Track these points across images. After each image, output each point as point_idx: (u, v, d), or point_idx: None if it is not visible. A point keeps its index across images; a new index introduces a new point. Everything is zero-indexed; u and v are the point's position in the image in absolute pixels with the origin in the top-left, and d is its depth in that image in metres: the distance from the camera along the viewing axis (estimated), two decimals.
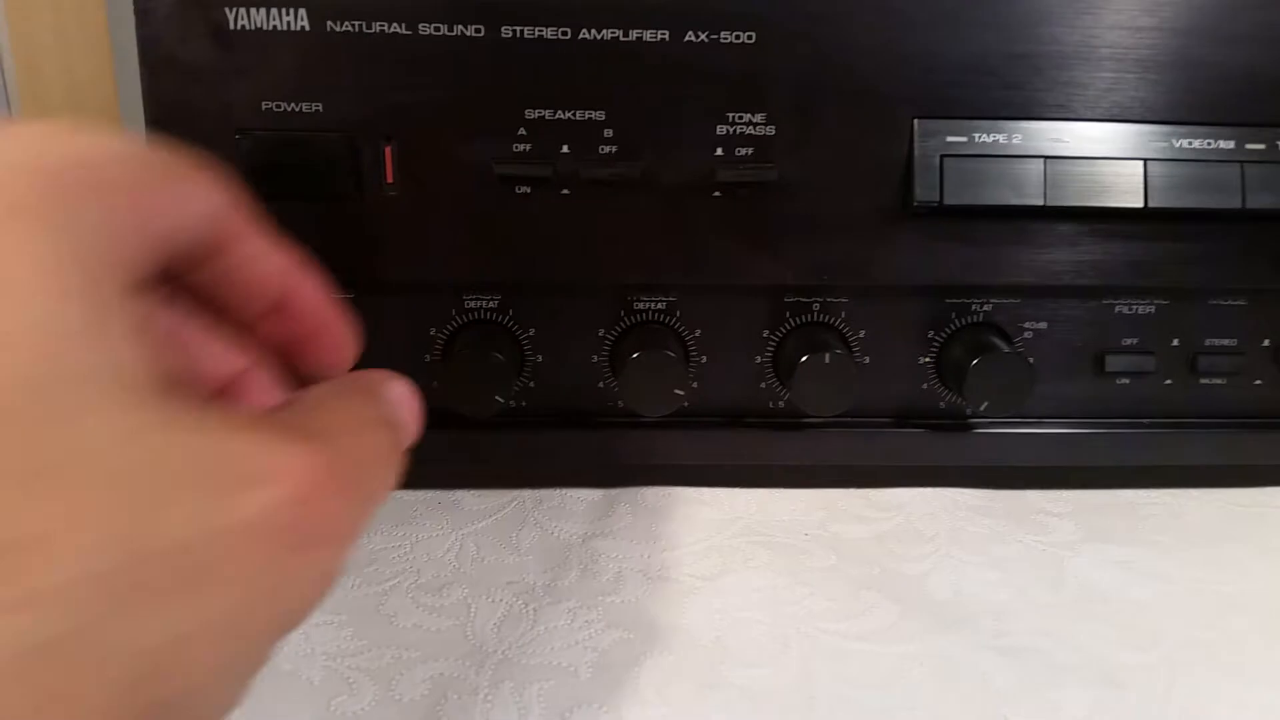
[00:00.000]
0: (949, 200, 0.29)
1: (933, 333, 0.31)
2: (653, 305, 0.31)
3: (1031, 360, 0.31)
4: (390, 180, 0.29)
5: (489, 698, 0.24)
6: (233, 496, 0.13)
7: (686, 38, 0.28)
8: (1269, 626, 0.27)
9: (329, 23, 0.28)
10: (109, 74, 0.71)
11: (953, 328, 0.31)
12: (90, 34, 0.69)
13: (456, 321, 0.31)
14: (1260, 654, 0.26)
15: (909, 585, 0.29)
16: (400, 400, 0.19)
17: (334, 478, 0.15)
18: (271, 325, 0.20)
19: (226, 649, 0.14)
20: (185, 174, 0.17)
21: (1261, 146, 0.30)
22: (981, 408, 0.30)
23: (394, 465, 0.17)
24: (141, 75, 0.28)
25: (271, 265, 0.19)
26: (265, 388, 0.20)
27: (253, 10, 0.28)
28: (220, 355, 0.19)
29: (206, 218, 0.17)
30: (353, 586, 0.28)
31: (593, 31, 0.28)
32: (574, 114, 0.29)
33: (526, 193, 0.29)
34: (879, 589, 0.28)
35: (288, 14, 0.28)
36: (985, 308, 0.31)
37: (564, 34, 0.28)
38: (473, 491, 0.33)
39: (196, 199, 0.17)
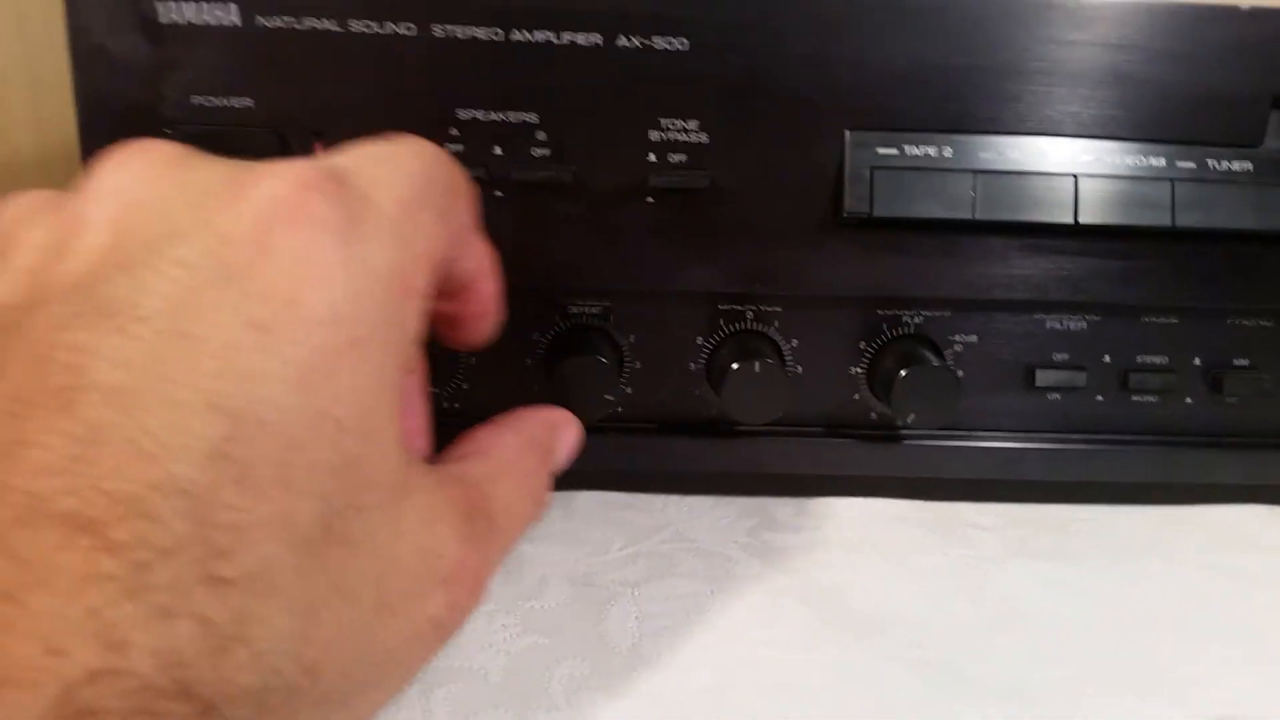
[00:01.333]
0: (878, 212, 0.29)
1: (865, 343, 0.32)
2: (587, 309, 0.31)
3: (960, 373, 0.31)
4: None
5: (395, 699, 0.24)
6: (429, 598, 0.18)
7: (619, 42, 0.28)
8: (1182, 644, 0.27)
9: (259, 18, 0.27)
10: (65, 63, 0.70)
11: (884, 339, 0.31)
12: (54, 36, 0.69)
13: None
14: (1170, 671, 0.26)
15: (830, 595, 0.29)
16: (569, 453, 0.22)
17: (494, 566, 0.19)
18: (439, 302, 0.21)
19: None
20: (468, 199, 0.20)
21: (1192, 165, 0.30)
22: (909, 419, 0.30)
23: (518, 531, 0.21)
24: (71, 67, 0.28)
25: (477, 260, 0.21)
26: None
27: (183, 4, 0.27)
28: None
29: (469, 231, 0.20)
30: None
31: (525, 33, 0.28)
32: (506, 115, 0.29)
33: None
34: (800, 598, 0.28)
35: (218, 8, 0.27)
36: (916, 319, 0.31)
37: (497, 35, 0.28)
38: None
39: (471, 221, 0.20)
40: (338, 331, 0.16)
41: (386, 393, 0.17)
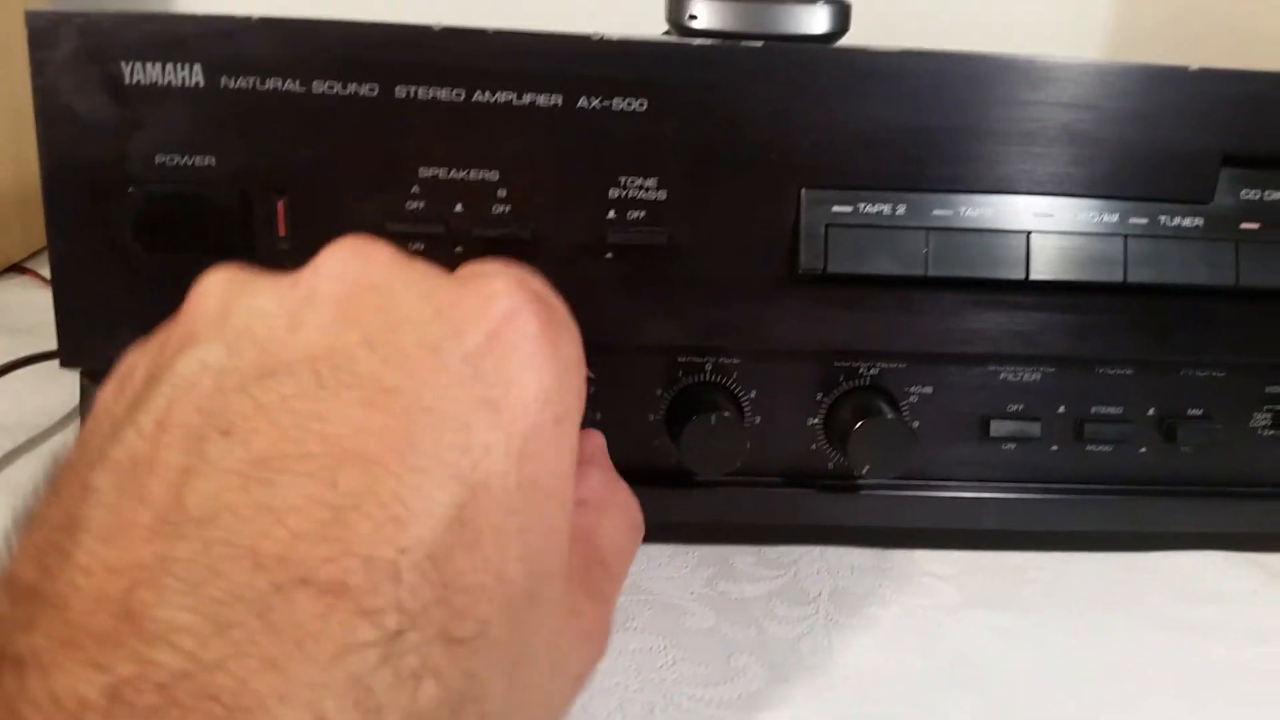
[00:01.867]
0: (833, 269, 0.29)
1: (822, 395, 0.32)
2: None
3: (915, 424, 0.32)
4: (282, 234, 0.29)
5: None
6: (576, 655, 0.20)
7: (579, 104, 0.29)
8: (1132, 697, 0.28)
9: (224, 79, 0.28)
10: None
11: (840, 391, 0.32)
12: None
13: None
14: None
15: (784, 648, 0.29)
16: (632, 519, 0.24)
17: (613, 611, 0.21)
18: None
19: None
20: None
21: (1144, 221, 0.31)
22: (864, 470, 0.31)
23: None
24: (37, 125, 0.28)
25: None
26: None
27: (148, 65, 0.28)
28: None
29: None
30: None
31: (486, 94, 0.28)
32: (468, 173, 0.29)
33: (420, 249, 0.29)
34: (753, 652, 0.29)
35: (183, 69, 0.28)
36: (872, 372, 0.32)
37: (458, 96, 0.28)
38: None
39: None
40: (547, 410, 0.18)
41: (573, 464, 0.19)
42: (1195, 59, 0.30)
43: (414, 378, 0.16)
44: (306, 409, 0.15)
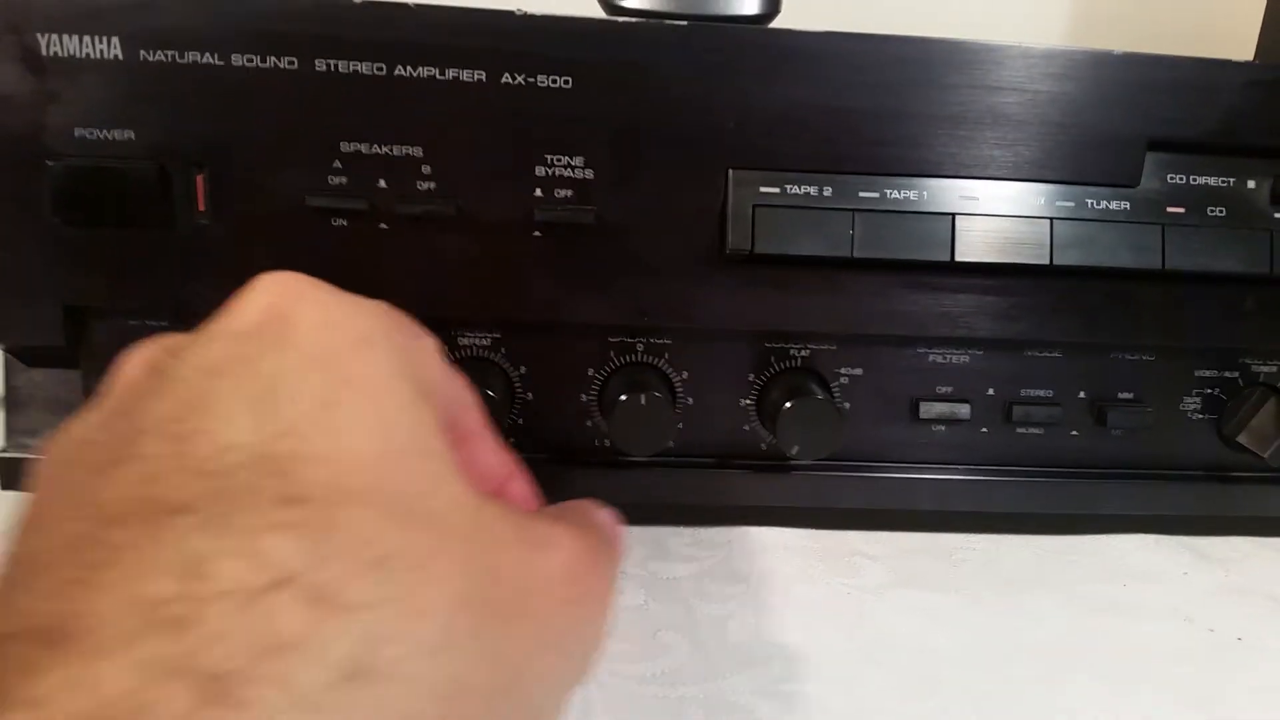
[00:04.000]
0: (760, 249, 0.29)
1: (754, 376, 0.32)
2: (477, 341, 0.31)
3: (846, 405, 0.32)
4: (201, 209, 0.29)
5: None
6: (540, 553, 0.18)
7: (504, 79, 0.28)
8: (1052, 676, 0.28)
9: (142, 52, 0.28)
10: None
11: (771, 372, 0.32)
12: None
13: None
14: (1034, 704, 0.26)
15: (710, 626, 0.29)
16: (608, 519, 0.22)
17: (591, 553, 0.19)
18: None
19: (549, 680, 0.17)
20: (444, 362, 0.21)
21: (1070, 204, 0.31)
22: (793, 451, 0.31)
23: (616, 564, 0.21)
24: None
25: (494, 460, 0.22)
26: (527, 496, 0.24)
27: (65, 37, 0.28)
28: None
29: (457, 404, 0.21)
30: None
31: (409, 69, 0.28)
32: (391, 149, 0.29)
33: (343, 225, 0.29)
34: (679, 629, 0.29)
35: (101, 42, 0.28)
36: (802, 353, 0.32)
37: (379, 69, 0.28)
38: None
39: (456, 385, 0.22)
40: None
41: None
42: (1154, 49, 0.30)
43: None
44: None
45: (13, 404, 0.32)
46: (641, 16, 0.31)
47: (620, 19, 0.29)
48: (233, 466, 0.14)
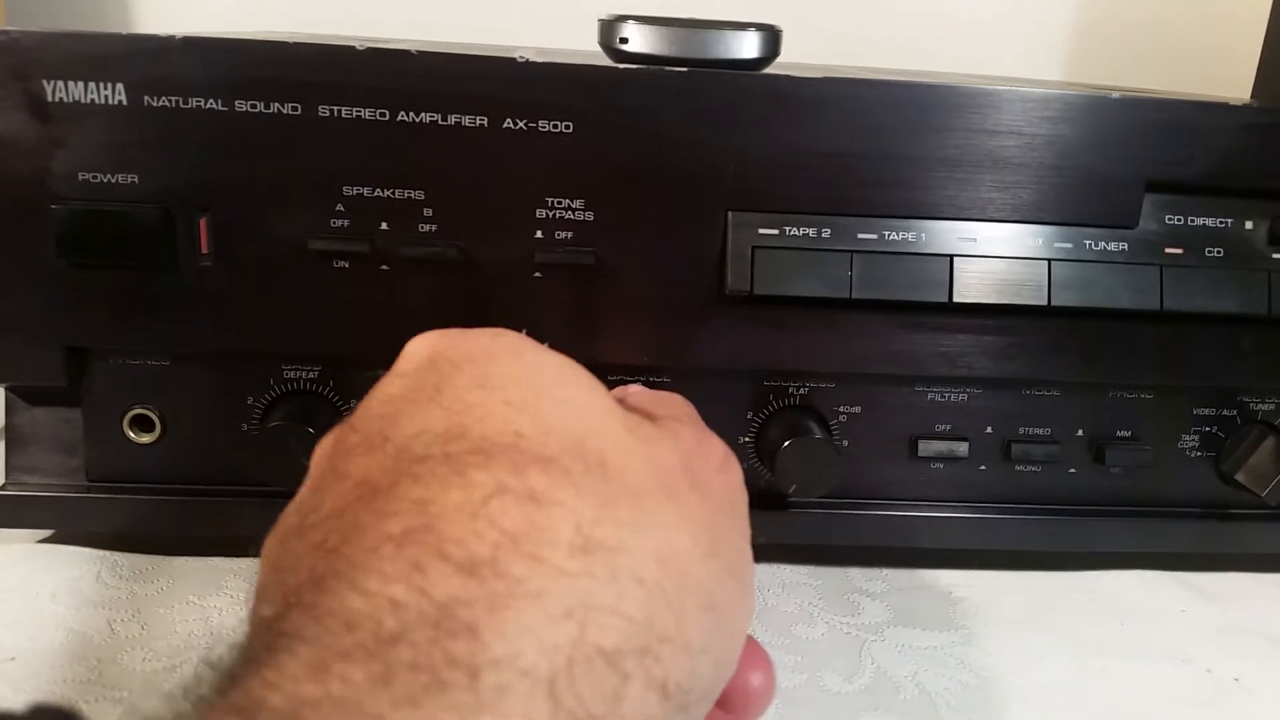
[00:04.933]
0: (759, 290, 0.29)
1: (752, 413, 0.32)
2: None
3: (843, 443, 0.32)
4: (205, 252, 0.29)
5: None
6: (674, 442, 0.21)
7: (505, 124, 0.29)
8: (1052, 717, 0.28)
9: (146, 98, 0.28)
10: None
11: (770, 410, 0.32)
12: None
13: (275, 391, 0.31)
14: None
15: None
16: None
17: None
18: None
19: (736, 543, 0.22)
20: None
21: (1069, 246, 0.31)
22: (790, 489, 0.31)
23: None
24: None
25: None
26: None
27: (71, 84, 0.28)
28: None
29: None
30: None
31: (411, 115, 0.28)
32: (393, 193, 0.29)
33: (345, 267, 0.29)
34: None
35: (105, 88, 0.28)
36: (801, 391, 0.32)
37: (382, 115, 0.28)
38: None
39: None
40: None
41: None
42: (1152, 78, 0.30)
43: None
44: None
45: (13, 441, 0.32)
46: (643, 61, 0.31)
47: (621, 65, 0.29)
48: (423, 448, 0.17)
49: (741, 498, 0.23)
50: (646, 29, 0.31)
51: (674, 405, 0.25)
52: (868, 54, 0.77)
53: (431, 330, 0.22)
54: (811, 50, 0.84)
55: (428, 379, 0.20)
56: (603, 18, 0.32)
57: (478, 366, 0.20)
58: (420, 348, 0.22)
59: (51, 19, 0.66)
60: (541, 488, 0.17)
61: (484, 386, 0.19)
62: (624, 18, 0.31)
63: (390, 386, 0.21)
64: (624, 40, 0.31)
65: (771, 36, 0.31)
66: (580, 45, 0.38)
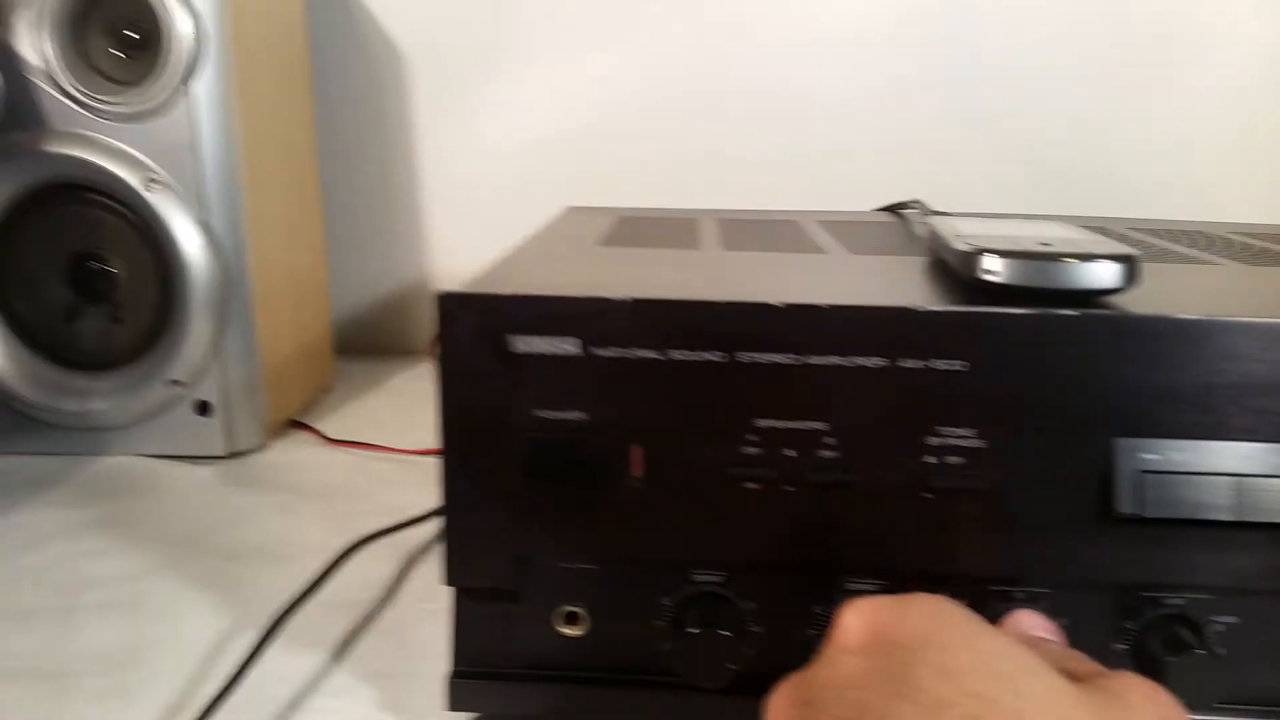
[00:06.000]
0: (1149, 513, 0.31)
1: (1129, 623, 0.34)
2: (863, 587, 0.34)
3: (1220, 652, 0.33)
4: (639, 476, 0.33)
5: None
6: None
7: (901, 363, 0.32)
8: None
9: (594, 349, 0.33)
10: (323, 266, 0.81)
11: (1147, 619, 0.33)
12: (309, 233, 0.79)
13: (686, 592, 0.35)
14: None
15: None
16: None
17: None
18: None
19: None
20: None
21: None
22: None
23: None
24: (439, 384, 0.34)
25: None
26: None
27: (533, 338, 0.33)
28: None
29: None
30: None
31: (818, 358, 0.32)
32: (799, 424, 0.33)
33: (756, 489, 0.33)
34: None
35: (562, 342, 0.33)
36: (1176, 602, 0.33)
37: (793, 359, 0.32)
38: None
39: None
40: None
41: None
42: None
43: None
44: None
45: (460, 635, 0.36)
46: (1005, 290, 0.34)
47: (1010, 311, 0.32)
48: None
49: None
50: (1008, 262, 0.34)
51: (1078, 658, 0.27)
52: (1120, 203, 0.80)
53: (862, 601, 0.24)
54: (1053, 197, 0.87)
55: (885, 664, 0.22)
56: (964, 249, 0.35)
57: (933, 652, 0.22)
58: (862, 623, 0.23)
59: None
60: None
61: (947, 676, 0.21)
62: (986, 250, 0.34)
63: (845, 666, 0.22)
64: (988, 272, 0.34)
65: (1131, 268, 0.33)
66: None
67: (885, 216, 0.67)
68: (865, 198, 0.71)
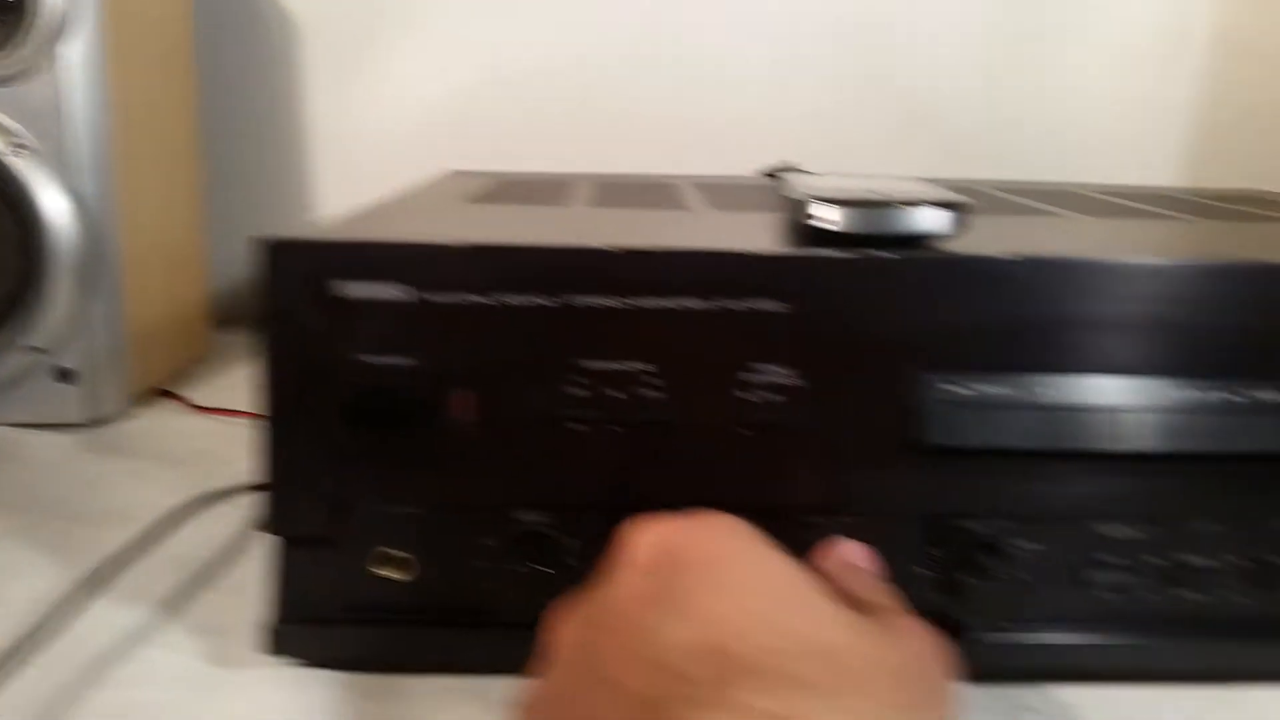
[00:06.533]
0: (946, 441, 0.33)
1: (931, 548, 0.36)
2: None
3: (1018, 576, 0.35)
4: (465, 420, 0.34)
5: None
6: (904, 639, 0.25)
7: (724, 305, 0.33)
8: None
9: (423, 294, 0.33)
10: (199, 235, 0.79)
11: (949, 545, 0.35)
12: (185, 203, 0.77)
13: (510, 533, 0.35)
14: None
15: None
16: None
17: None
18: None
19: None
20: None
21: (1227, 397, 0.34)
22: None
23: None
24: (263, 331, 0.34)
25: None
26: None
27: (359, 284, 0.33)
28: None
29: None
30: None
31: (644, 301, 0.33)
32: (624, 364, 0.34)
33: (582, 430, 0.34)
34: None
35: (388, 287, 0.33)
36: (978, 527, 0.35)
37: (620, 302, 0.33)
38: None
39: None
40: None
41: None
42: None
43: None
44: None
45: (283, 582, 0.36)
46: (833, 236, 0.35)
47: (833, 254, 0.33)
48: (680, 659, 0.20)
49: (949, 679, 0.26)
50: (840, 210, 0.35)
51: (877, 590, 0.28)
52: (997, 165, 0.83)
53: (650, 520, 0.25)
54: (947, 162, 0.89)
55: (668, 582, 0.22)
56: (795, 198, 0.37)
57: (714, 571, 0.23)
58: (649, 541, 0.24)
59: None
60: (805, 711, 0.19)
61: (722, 593, 0.22)
62: (815, 198, 0.35)
63: (630, 586, 0.23)
64: (813, 218, 0.36)
65: (954, 215, 0.35)
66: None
67: (767, 181, 0.68)
68: (763, 165, 0.73)
